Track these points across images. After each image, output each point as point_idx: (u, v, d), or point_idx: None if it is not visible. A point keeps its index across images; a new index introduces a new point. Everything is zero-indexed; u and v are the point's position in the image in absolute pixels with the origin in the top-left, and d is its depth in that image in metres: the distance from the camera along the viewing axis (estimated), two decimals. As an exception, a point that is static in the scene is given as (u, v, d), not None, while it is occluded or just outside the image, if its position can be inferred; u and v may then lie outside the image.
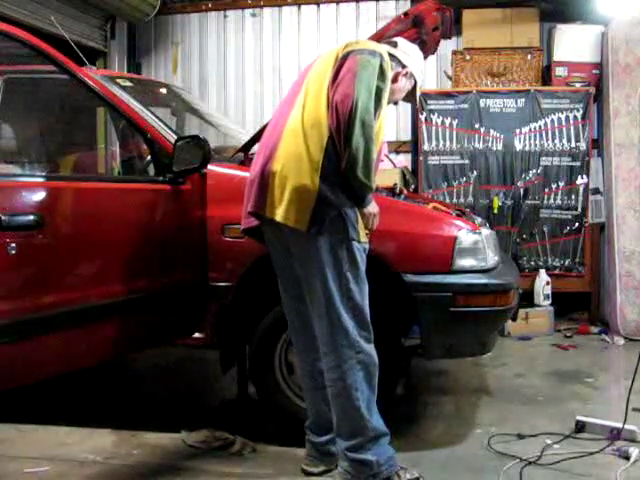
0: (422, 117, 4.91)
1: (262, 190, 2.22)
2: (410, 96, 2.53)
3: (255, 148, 2.70)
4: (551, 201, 4.86)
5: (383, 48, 2.31)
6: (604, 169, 4.81)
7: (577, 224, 4.85)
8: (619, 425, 2.66)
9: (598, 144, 4.93)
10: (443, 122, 4.89)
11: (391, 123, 5.10)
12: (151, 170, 2.76)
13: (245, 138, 2.97)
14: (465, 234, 2.58)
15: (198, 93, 5.47)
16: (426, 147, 4.92)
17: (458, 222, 2.63)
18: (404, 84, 2.46)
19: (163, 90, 3.93)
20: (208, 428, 2.75)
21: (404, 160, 5.22)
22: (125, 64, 5.70)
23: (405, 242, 2.58)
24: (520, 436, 2.74)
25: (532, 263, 4.86)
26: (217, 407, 3.36)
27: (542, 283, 4.71)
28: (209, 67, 5.60)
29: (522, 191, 4.84)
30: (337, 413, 2.26)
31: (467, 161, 4.88)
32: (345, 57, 2.20)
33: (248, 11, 5.51)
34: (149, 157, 2.77)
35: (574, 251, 4.86)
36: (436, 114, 4.89)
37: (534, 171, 4.85)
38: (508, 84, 4.90)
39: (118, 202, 2.54)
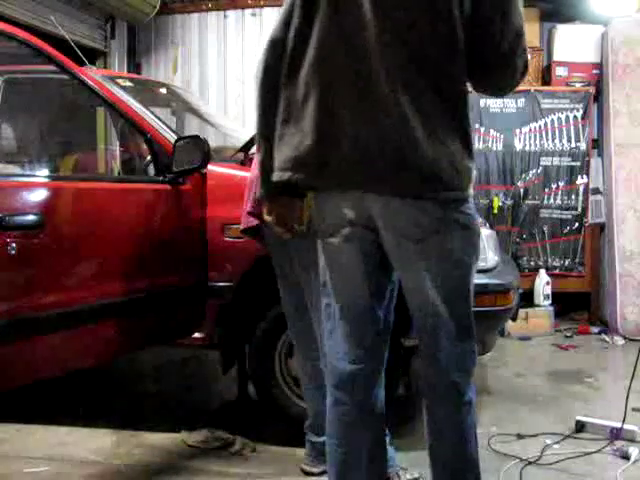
0: (422, 117, 4.90)
1: (262, 190, 2.22)
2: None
3: (255, 148, 2.70)
4: (551, 201, 4.86)
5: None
6: (604, 169, 4.82)
7: (577, 224, 4.85)
8: (619, 425, 2.66)
9: (598, 144, 4.93)
10: (443, 122, 4.88)
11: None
12: (151, 170, 2.76)
13: (245, 138, 2.97)
14: (465, 234, 2.58)
15: (198, 93, 5.47)
16: (426, 147, 4.91)
17: (458, 222, 2.63)
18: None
19: (163, 90, 3.93)
20: (208, 428, 2.75)
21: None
22: (125, 64, 5.70)
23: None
24: (520, 436, 2.74)
25: (532, 263, 4.86)
26: (217, 407, 3.36)
27: (542, 283, 4.71)
28: (209, 67, 5.60)
29: (522, 191, 4.84)
30: (337, 413, 2.26)
31: (467, 161, 4.87)
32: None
33: (248, 11, 5.51)
34: (149, 157, 2.77)
35: (574, 251, 4.86)
36: (436, 114, 4.88)
37: (534, 171, 4.85)
38: (508, 84, 4.89)
39: (118, 202, 2.54)
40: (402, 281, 1.69)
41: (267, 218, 1.76)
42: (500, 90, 1.70)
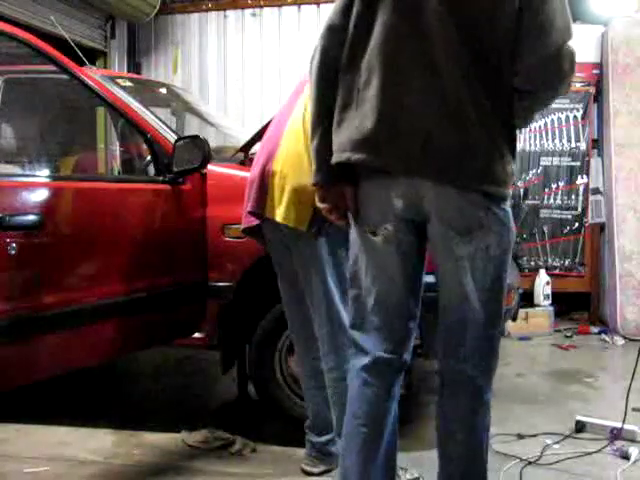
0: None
1: (262, 190, 2.22)
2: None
3: (255, 148, 2.70)
4: (551, 201, 4.86)
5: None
6: (604, 169, 4.81)
7: (577, 224, 4.85)
8: (619, 425, 2.66)
9: (598, 144, 4.93)
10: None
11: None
12: (151, 170, 2.76)
13: (245, 138, 2.98)
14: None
15: (198, 93, 5.47)
16: (426, 147, 4.91)
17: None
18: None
19: (163, 90, 3.93)
20: (208, 428, 2.75)
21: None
22: (125, 64, 5.70)
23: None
24: (520, 436, 2.74)
25: (532, 263, 4.86)
26: (217, 407, 3.36)
27: (542, 283, 4.71)
28: (209, 67, 5.60)
29: (522, 191, 4.83)
30: (337, 413, 2.26)
31: (467, 161, 4.87)
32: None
33: (248, 11, 5.51)
34: (149, 157, 2.78)
35: (574, 251, 4.86)
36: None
37: (534, 171, 4.85)
38: (508, 84, 4.89)
39: (118, 202, 2.54)
40: (439, 272, 1.72)
41: (320, 206, 1.78)
42: (545, 92, 1.64)
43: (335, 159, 1.66)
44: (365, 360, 1.76)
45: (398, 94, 1.57)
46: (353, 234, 1.76)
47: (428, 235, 1.67)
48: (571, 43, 1.57)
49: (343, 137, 1.64)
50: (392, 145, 1.58)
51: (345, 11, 1.64)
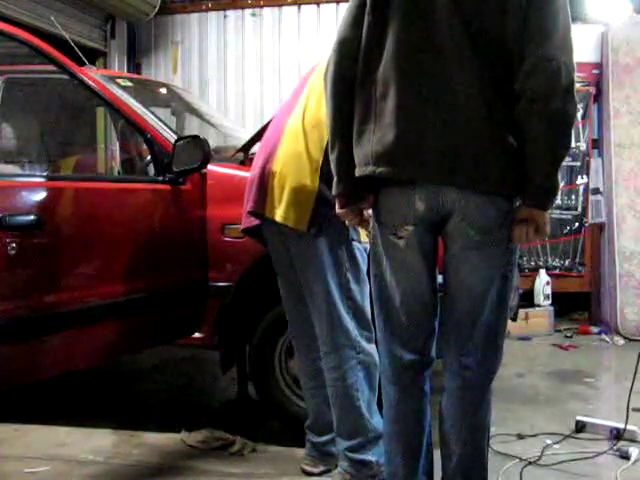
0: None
1: (262, 190, 2.22)
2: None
3: (255, 148, 2.70)
4: (551, 201, 4.85)
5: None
6: (604, 169, 4.81)
7: (577, 224, 4.85)
8: (619, 425, 2.66)
9: (598, 144, 4.93)
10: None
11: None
12: (151, 170, 2.76)
13: (245, 138, 2.97)
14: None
15: (198, 93, 5.47)
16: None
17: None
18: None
19: (163, 90, 3.93)
20: (208, 428, 2.75)
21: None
22: (125, 64, 5.70)
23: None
24: (520, 436, 2.74)
25: (532, 263, 4.86)
26: (217, 407, 3.36)
27: (542, 283, 4.71)
28: (209, 67, 5.60)
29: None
30: (337, 413, 2.26)
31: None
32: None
33: (248, 11, 5.51)
34: (149, 157, 2.78)
35: (574, 251, 4.86)
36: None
37: (534, 171, 4.84)
38: (508, 84, 4.89)
39: (118, 202, 2.54)
40: (451, 268, 1.73)
41: (340, 212, 1.82)
42: (539, 99, 1.54)
43: (359, 172, 1.69)
44: (395, 363, 1.80)
45: (415, 106, 1.58)
46: (375, 236, 1.79)
47: (445, 231, 1.69)
48: (573, 70, 1.55)
49: (365, 150, 1.66)
50: (414, 158, 1.60)
51: (356, 24, 1.65)
